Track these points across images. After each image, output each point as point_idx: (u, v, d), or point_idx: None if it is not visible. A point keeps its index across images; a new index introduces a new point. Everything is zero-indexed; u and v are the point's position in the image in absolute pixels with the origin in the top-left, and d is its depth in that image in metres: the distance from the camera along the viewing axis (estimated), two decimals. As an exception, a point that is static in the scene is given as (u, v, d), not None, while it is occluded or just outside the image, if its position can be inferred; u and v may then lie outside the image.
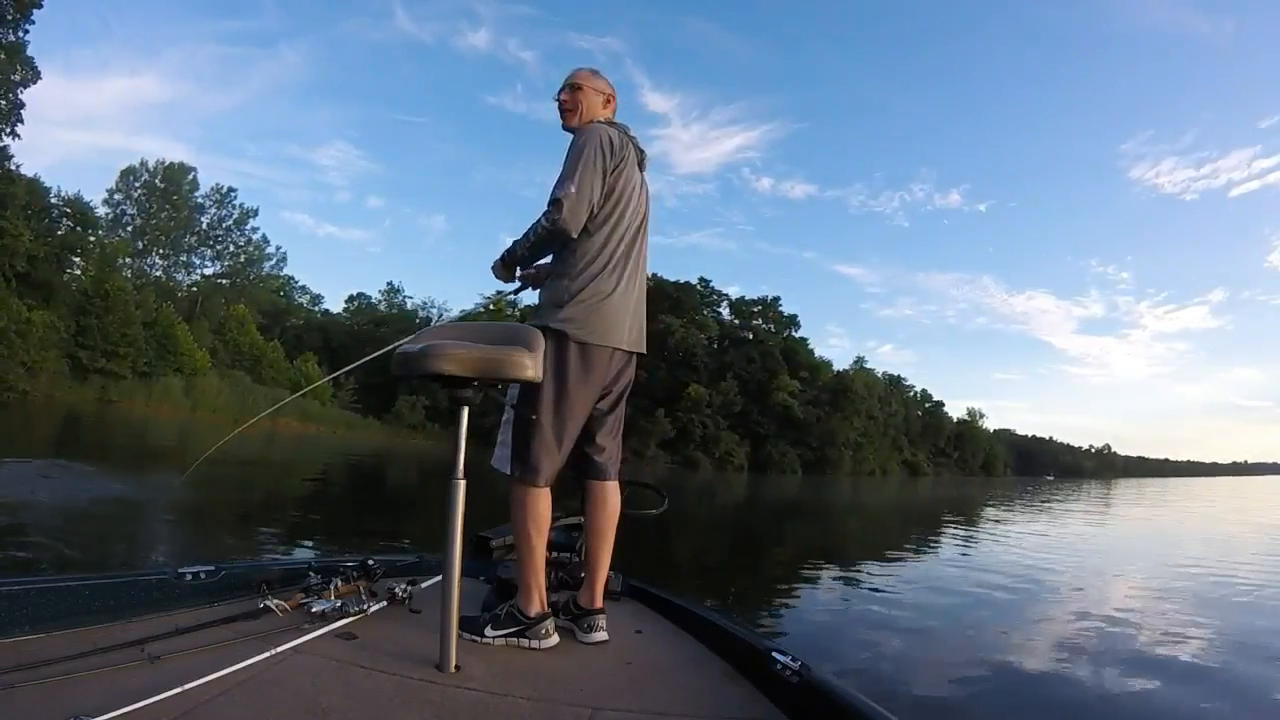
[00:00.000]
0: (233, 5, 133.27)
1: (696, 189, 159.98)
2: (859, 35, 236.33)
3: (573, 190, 2.37)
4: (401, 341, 2.34)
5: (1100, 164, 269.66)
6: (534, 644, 2.30)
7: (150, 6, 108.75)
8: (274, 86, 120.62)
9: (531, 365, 2.10)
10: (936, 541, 14.47)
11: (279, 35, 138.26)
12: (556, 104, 2.71)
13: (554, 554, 2.89)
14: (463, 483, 2.06)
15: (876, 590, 8.40)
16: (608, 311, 2.45)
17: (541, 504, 2.38)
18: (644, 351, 2.64)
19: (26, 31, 32.81)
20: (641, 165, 2.67)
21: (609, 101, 2.73)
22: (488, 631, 2.30)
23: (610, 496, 2.56)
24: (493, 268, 2.68)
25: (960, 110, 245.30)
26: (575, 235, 2.43)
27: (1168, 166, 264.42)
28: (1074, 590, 9.00)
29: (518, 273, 2.70)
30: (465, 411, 2.12)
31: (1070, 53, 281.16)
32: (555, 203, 2.38)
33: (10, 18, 31.68)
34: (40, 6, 32.43)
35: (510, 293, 2.85)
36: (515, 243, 2.54)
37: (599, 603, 2.46)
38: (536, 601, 2.34)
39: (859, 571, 9.74)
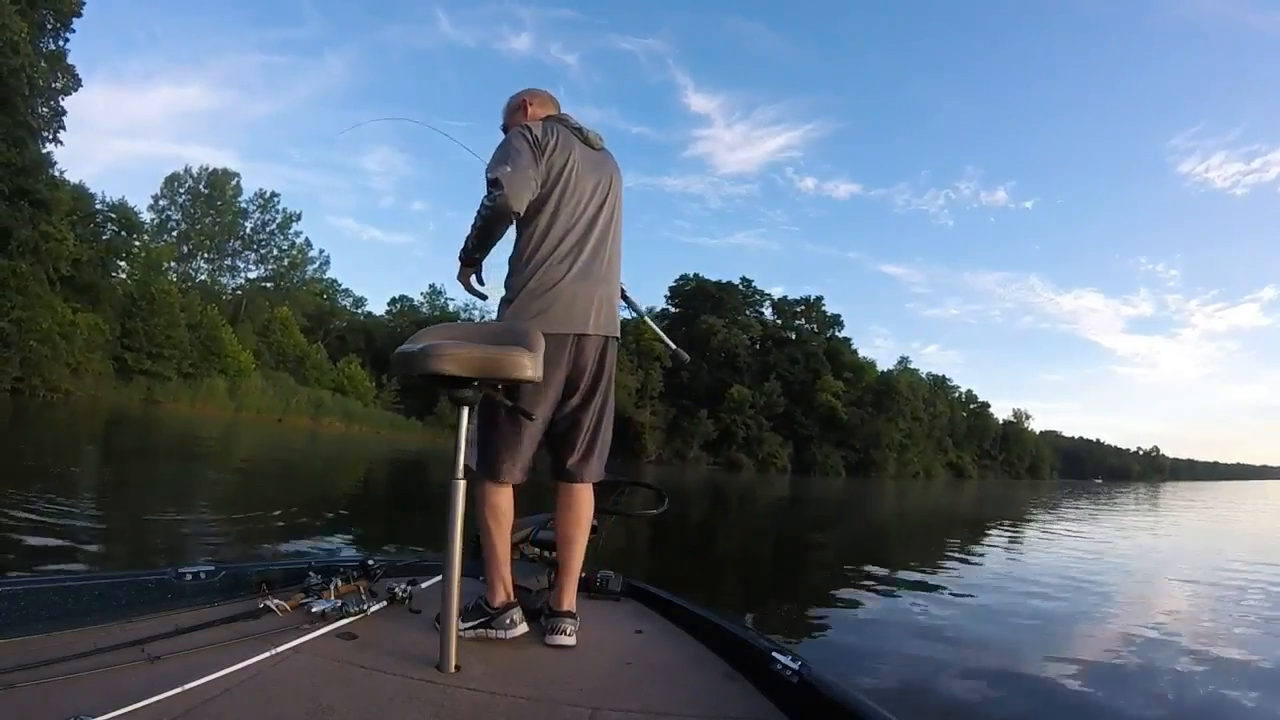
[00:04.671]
0: (277, 15, 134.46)
1: (740, 189, 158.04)
2: (903, 32, 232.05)
3: (507, 168, 2.33)
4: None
5: (1149, 159, 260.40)
6: (499, 634, 2.33)
7: (197, 18, 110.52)
8: (318, 93, 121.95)
9: (531, 365, 2.06)
10: (979, 549, 13.74)
11: (323, 43, 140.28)
12: None
13: (551, 554, 2.83)
14: (463, 483, 2.05)
15: (907, 598, 8.09)
16: (561, 298, 2.43)
17: (499, 500, 2.41)
18: (615, 335, 2.58)
19: (67, 40, 33.59)
20: (592, 144, 2.60)
21: (524, 109, 2.71)
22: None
23: (578, 501, 2.53)
24: (459, 277, 2.62)
25: (1006, 106, 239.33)
26: (520, 210, 2.38)
27: (1217, 161, 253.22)
28: (1114, 605, 8.35)
29: (480, 276, 2.64)
30: (465, 411, 2.10)
31: (1117, 46, 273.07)
32: (493, 182, 2.33)
33: (50, 26, 32.34)
34: (79, 15, 33.03)
35: (482, 297, 2.71)
36: (466, 237, 2.51)
37: (564, 605, 2.41)
38: (501, 592, 2.39)
39: (893, 579, 9.29)
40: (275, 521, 9.07)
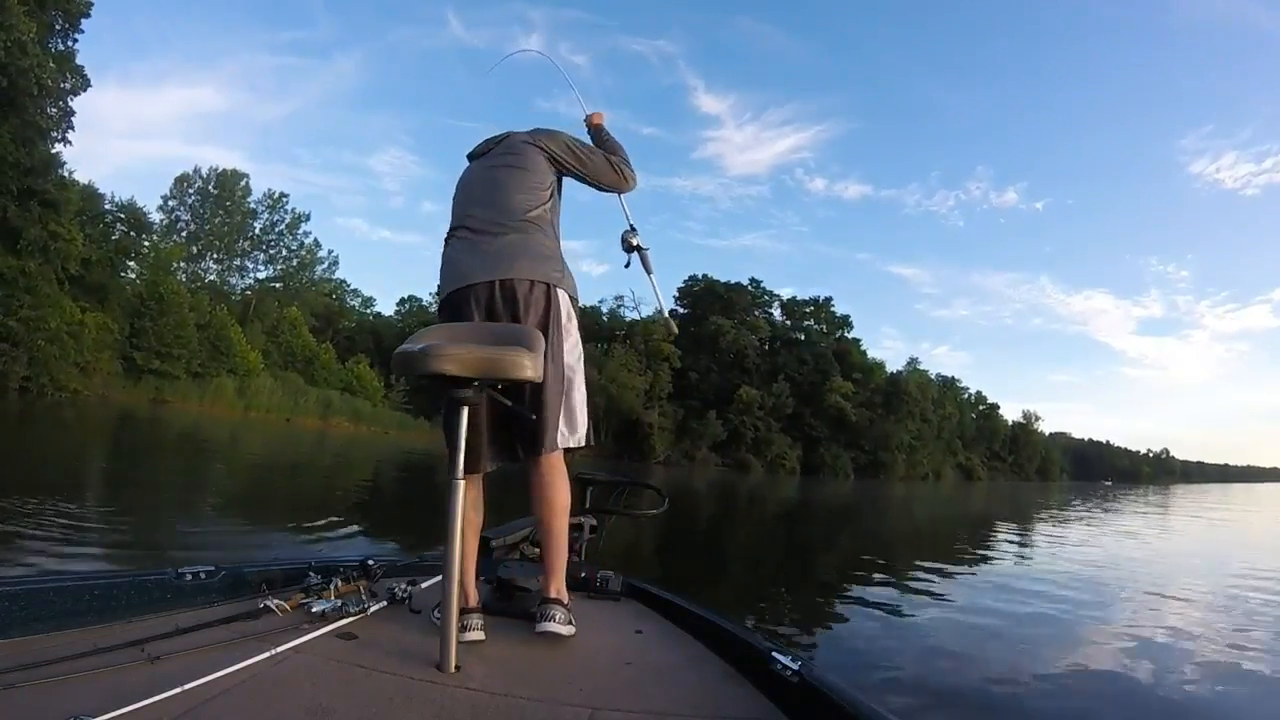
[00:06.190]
0: (288, 17, 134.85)
1: (750, 190, 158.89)
2: (914, 33, 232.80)
3: None
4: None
5: (1159, 160, 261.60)
6: None
7: (207, 20, 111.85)
8: (329, 95, 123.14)
9: (531, 365, 2.05)
10: (985, 552, 13.69)
11: (333, 45, 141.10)
12: None
13: None
14: (463, 483, 2.04)
15: (911, 601, 8.08)
16: (449, 263, 2.49)
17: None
18: (524, 277, 2.40)
19: (75, 40, 33.39)
20: (480, 153, 2.72)
21: None
22: (435, 613, 2.21)
23: (539, 476, 2.40)
24: None
25: (1017, 107, 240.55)
26: None
27: (1228, 161, 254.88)
28: (1118, 611, 8.26)
29: None
30: (465, 411, 2.08)
31: (1128, 47, 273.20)
32: None
33: (59, 27, 32.25)
34: (88, 16, 32.97)
35: None
36: None
37: (550, 592, 2.37)
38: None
39: (897, 581, 9.34)
40: (281, 521, 9.07)
